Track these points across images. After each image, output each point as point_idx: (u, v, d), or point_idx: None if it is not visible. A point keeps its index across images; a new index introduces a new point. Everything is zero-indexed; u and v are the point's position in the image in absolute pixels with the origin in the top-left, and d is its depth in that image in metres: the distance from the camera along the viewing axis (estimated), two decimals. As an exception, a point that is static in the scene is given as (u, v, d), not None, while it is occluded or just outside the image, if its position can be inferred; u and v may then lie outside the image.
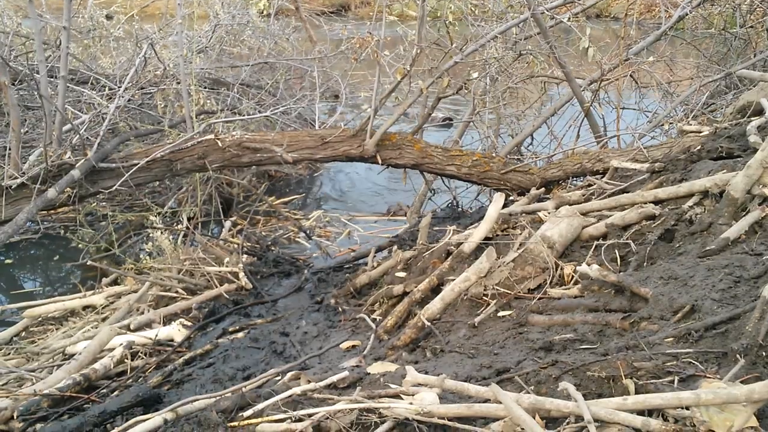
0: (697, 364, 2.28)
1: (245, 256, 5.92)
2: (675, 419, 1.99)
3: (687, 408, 1.98)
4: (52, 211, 6.52)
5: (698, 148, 4.79)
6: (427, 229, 5.07)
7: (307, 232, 7.02)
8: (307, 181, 9.33)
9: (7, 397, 3.58)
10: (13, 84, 6.14)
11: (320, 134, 6.18)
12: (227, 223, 6.94)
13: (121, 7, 10.10)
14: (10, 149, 5.29)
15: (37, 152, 5.57)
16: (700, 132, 5.43)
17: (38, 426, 3.27)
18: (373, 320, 4.06)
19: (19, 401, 3.42)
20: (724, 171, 3.99)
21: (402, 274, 4.50)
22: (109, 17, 9.54)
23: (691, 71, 8.67)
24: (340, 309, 4.56)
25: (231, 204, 7.69)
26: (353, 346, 3.81)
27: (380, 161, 6.20)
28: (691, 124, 5.99)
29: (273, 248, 6.41)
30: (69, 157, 5.30)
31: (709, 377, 2.18)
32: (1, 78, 5.11)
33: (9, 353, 4.96)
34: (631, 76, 7.20)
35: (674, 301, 2.75)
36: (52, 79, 6.36)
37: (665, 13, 7.46)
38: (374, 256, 5.35)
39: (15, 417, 3.32)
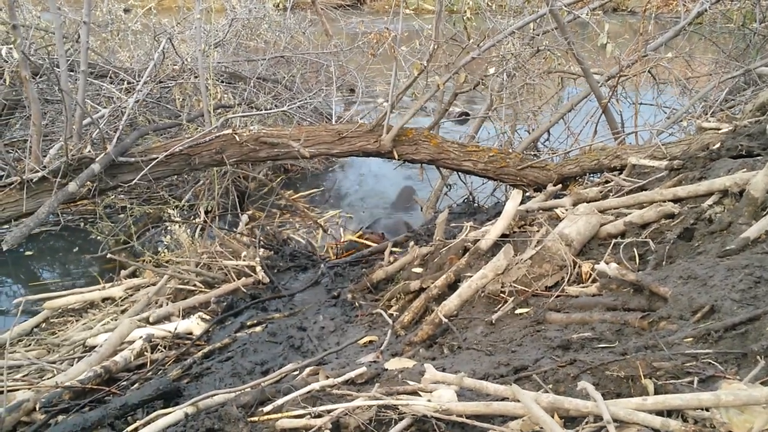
0: (717, 364, 2.27)
1: (262, 249, 5.96)
2: (695, 420, 1.99)
3: (707, 409, 1.98)
4: (72, 204, 6.59)
5: (717, 146, 4.77)
6: (444, 225, 5.08)
7: (324, 227, 7.06)
8: (323, 175, 9.36)
9: (29, 388, 3.64)
10: (34, 77, 6.21)
11: (337, 129, 6.19)
12: (244, 217, 6.99)
13: (138, 1, 10.16)
14: (31, 143, 5.35)
15: (58, 146, 5.63)
16: (719, 129, 5.40)
17: (60, 418, 3.31)
18: (390, 316, 4.07)
19: (41, 393, 3.47)
20: (744, 170, 3.97)
21: (419, 270, 4.51)
22: (126, 10, 9.60)
23: (709, 67, 8.62)
24: (356, 304, 4.57)
25: (248, 197, 7.75)
26: (370, 342, 3.83)
27: (397, 156, 6.21)
28: (709, 121, 5.95)
29: (289, 242, 6.46)
30: (89, 151, 5.35)
31: (729, 378, 2.17)
32: (23, 72, 5.15)
33: (30, 344, 5.03)
34: (649, 72, 7.16)
35: (693, 300, 2.74)
36: (71, 73, 6.41)
37: (683, 8, 7.41)
38: (391, 252, 5.36)
39: (37, 409, 3.37)
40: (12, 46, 4.80)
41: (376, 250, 5.73)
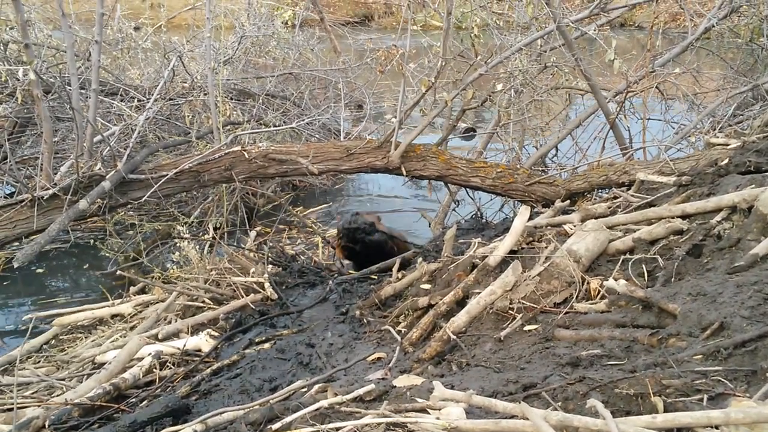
0: (727, 382, 2.26)
1: (270, 266, 5.97)
2: (704, 438, 1.99)
3: (716, 427, 1.97)
4: (82, 221, 6.64)
5: (726, 161, 4.76)
6: (452, 241, 5.08)
7: (331, 243, 7.07)
8: (331, 191, 9.40)
9: (38, 405, 3.65)
10: (45, 96, 6.28)
11: (345, 146, 6.21)
12: (252, 233, 7.01)
13: (148, 19, 10.26)
14: (42, 161, 5.39)
15: (69, 163, 5.67)
16: (728, 145, 5.39)
17: (69, 435, 3.33)
18: (398, 332, 4.07)
19: (51, 410, 3.48)
20: (753, 186, 3.95)
21: (427, 286, 4.51)
22: (137, 28, 9.70)
23: (717, 83, 8.63)
24: (365, 320, 4.57)
25: (256, 213, 7.78)
26: (379, 358, 3.83)
27: (405, 173, 6.22)
28: (718, 137, 5.95)
29: (297, 258, 6.47)
30: (99, 169, 5.39)
31: (739, 396, 2.16)
32: (34, 90, 5.21)
33: (39, 361, 5.05)
34: (657, 87, 7.16)
35: (703, 317, 2.73)
36: (82, 91, 6.47)
37: (691, 23, 7.43)
38: (398, 268, 5.36)
39: (47, 426, 3.38)
40: (27, 65, 4.85)
41: (384, 267, 5.74)
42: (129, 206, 6.23)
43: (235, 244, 6.69)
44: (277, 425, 2.51)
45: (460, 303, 3.92)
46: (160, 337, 4.73)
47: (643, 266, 3.72)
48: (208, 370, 4.05)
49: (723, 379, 2.27)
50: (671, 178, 5.00)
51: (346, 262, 6.68)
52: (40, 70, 6.80)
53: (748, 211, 3.69)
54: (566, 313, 3.49)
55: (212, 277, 5.70)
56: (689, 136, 6.99)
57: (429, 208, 8.24)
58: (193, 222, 7.18)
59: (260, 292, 5.40)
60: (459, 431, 2.24)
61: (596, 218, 4.47)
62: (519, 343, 3.36)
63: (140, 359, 4.28)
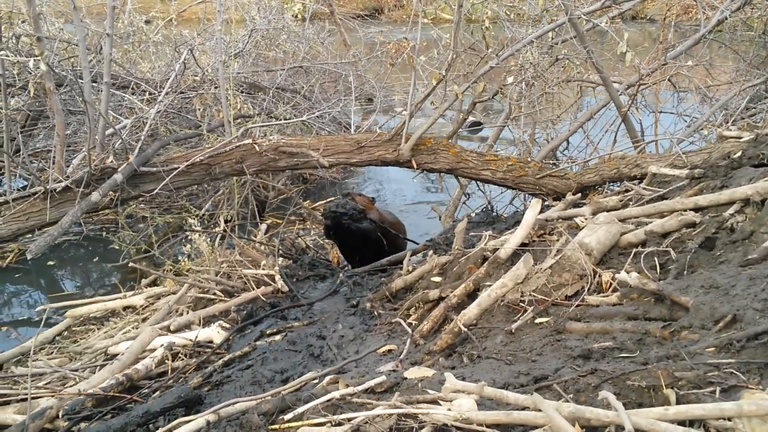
0: (739, 374, 2.25)
1: (281, 258, 5.98)
2: (717, 430, 1.98)
3: (729, 419, 1.97)
4: (94, 214, 6.68)
5: (738, 154, 4.73)
6: (463, 234, 5.07)
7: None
8: (341, 184, 9.40)
9: (52, 396, 3.68)
10: (57, 89, 6.30)
11: (356, 138, 6.21)
12: (263, 226, 7.03)
13: (159, 12, 10.27)
14: (54, 153, 5.42)
15: (81, 156, 5.71)
16: (740, 138, 5.36)
17: (83, 425, 3.34)
18: (409, 325, 4.07)
19: (64, 401, 3.51)
20: (766, 179, 3.93)
21: (438, 279, 4.51)
22: (148, 22, 9.72)
23: (730, 75, 8.56)
24: (375, 313, 4.56)
25: (267, 206, 7.80)
26: (389, 351, 3.83)
27: (415, 166, 6.21)
28: (730, 130, 5.90)
29: (308, 251, 6.48)
30: (112, 161, 5.42)
31: (752, 388, 2.16)
32: (47, 83, 5.24)
33: (52, 352, 5.10)
34: (669, 80, 7.12)
35: (715, 310, 2.72)
36: (94, 84, 6.50)
37: (703, 16, 7.37)
38: (409, 260, 5.36)
39: (60, 416, 3.41)
40: (39, 58, 4.87)
41: (395, 260, 5.74)
42: (141, 199, 6.27)
43: (245, 237, 6.70)
44: (289, 416, 2.52)
45: (471, 295, 3.92)
46: (172, 328, 4.76)
47: (656, 259, 3.71)
48: (220, 362, 4.07)
49: (736, 372, 2.27)
50: (683, 171, 4.98)
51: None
52: (53, 64, 6.83)
53: (761, 203, 3.67)
54: (578, 305, 3.48)
55: (223, 269, 5.72)
56: (702, 129, 6.94)
57: (439, 198, 8.24)
58: (204, 214, 7.21)
59: (271, 284, 5.41)
60: (470, 422, 2.25)
61: (608, 211, 4.45)
62: (530, 335, 3.36)
63: (152, 350, 4.31)
